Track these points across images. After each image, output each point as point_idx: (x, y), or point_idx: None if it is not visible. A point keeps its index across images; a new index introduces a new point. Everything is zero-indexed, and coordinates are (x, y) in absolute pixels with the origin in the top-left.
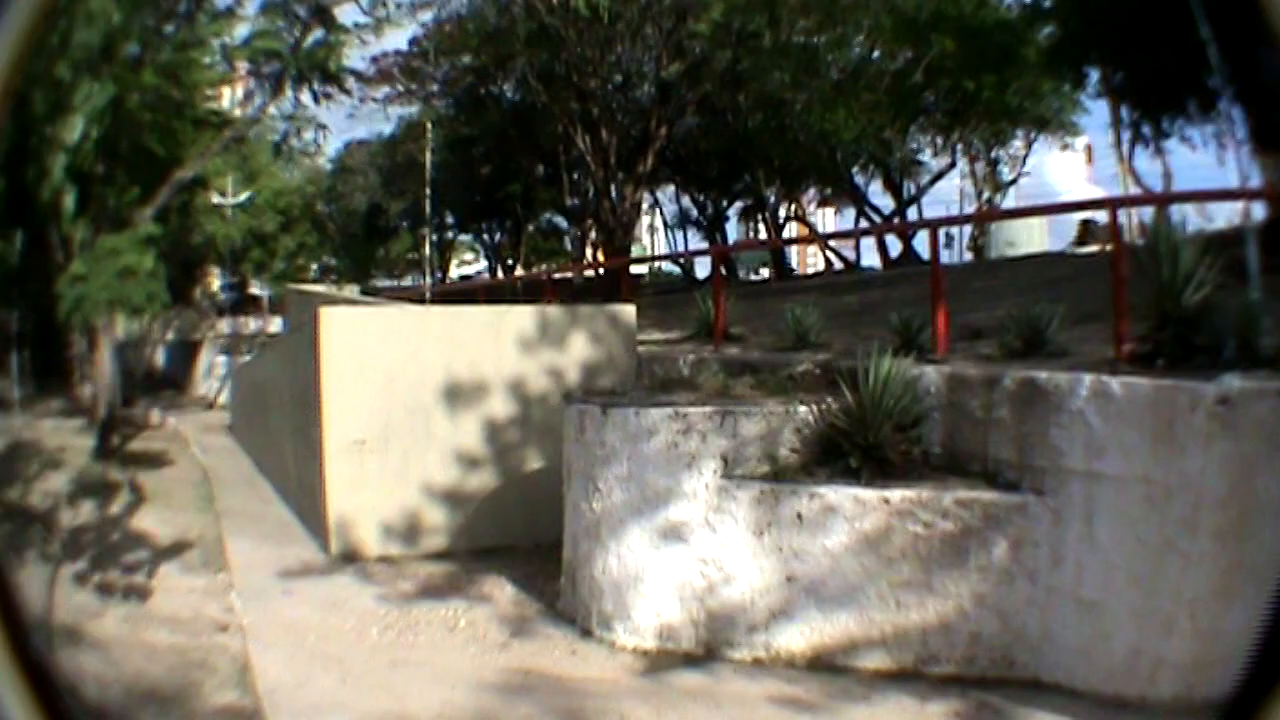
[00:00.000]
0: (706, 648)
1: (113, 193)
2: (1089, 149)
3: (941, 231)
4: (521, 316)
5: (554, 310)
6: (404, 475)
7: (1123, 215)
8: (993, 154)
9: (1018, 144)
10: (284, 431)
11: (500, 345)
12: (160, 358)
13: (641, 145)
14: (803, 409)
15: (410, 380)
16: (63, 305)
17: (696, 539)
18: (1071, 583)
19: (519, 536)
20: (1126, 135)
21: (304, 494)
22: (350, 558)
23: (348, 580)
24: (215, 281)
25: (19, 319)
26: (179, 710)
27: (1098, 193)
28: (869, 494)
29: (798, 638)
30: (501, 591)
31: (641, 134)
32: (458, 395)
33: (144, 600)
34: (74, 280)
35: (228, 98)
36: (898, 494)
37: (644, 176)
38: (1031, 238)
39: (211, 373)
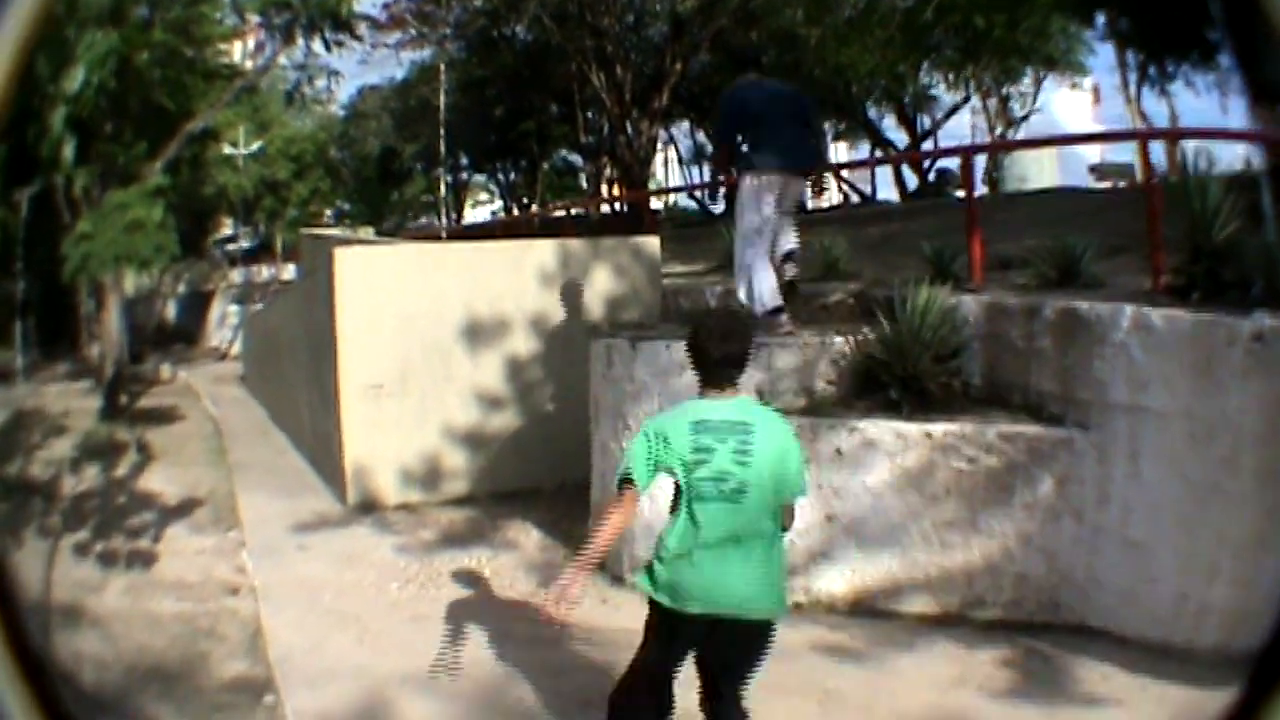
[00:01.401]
0: None
1: (120, 150)
2: (1095, 89)
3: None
4: (543, 251)
5: (576, 244)
6: (423, 418)
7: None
8: (1004, 91)
9: (1027, 82)
10: (298, 380)
11: (521, 281)
12: (172, 311)
13: (656, 82)
14: (838, 340)
15: (429, 320)
16: (69, 266)
17: None
18: (1118, 522)
19: (543, 478)
20: (1133, 77)
21: (319, 443)
22: (368, 507)
23: (365, 531)
24: (226, 230)
25: (25, 288)
26: (183, 687)
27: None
28: (910, 428)
29: (838, 580)
30: (527, 537)
31: (656, 71)
32: (478, 334)
33: (149, 566)
34: (80, 239)
35: (239, 50)
36: (940, 428)
37: (659, 112)
38: (1042, 173)
39: (224, 323)
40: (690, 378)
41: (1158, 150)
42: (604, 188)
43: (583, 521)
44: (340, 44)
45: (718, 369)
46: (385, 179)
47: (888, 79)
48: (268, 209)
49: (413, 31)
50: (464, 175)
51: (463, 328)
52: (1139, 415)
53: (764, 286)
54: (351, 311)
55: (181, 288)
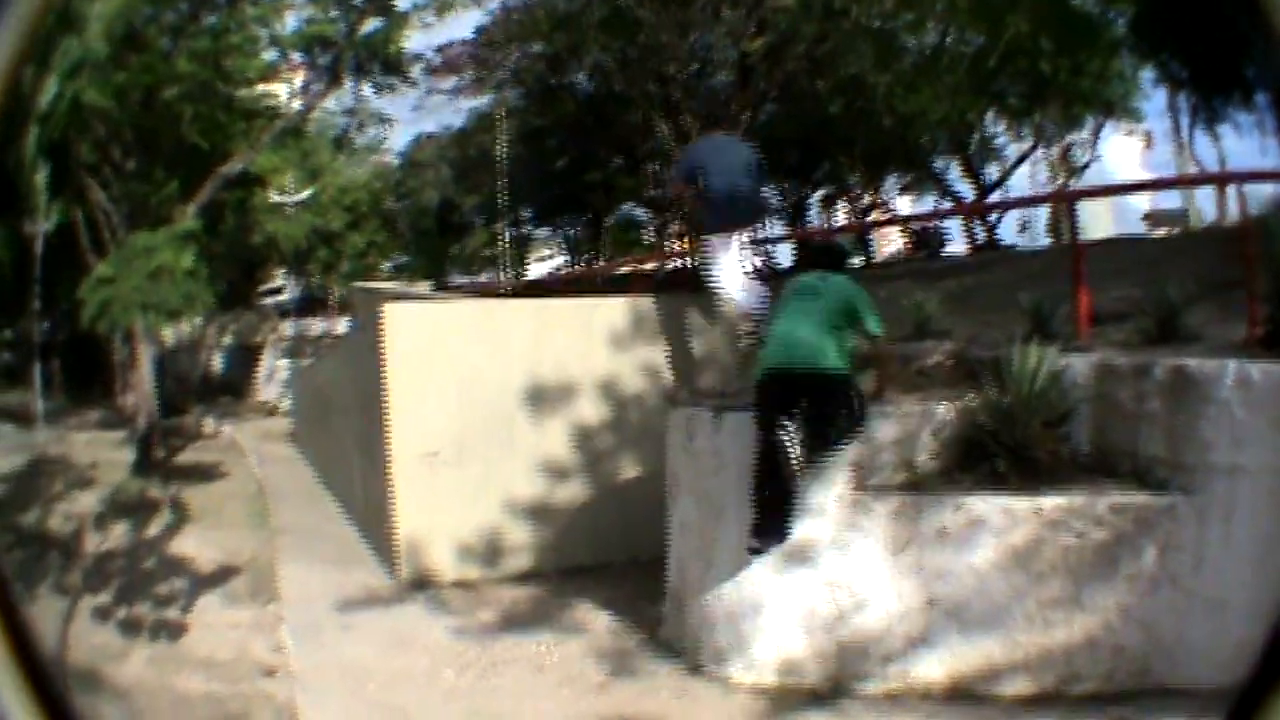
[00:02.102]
0: (834, 683)
1: (149, 189)
2: (1148, 135)
3: (1018, 215)
4: (613, 310)
5: (648, 302)
6: (483, 489)
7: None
8: (1066, 139)
9: (1085, 131)
10: (348, 441)
11: (589, 342)
12: (218, 363)
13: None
14: (941, 407)
15: (488, 383)
16: (86, 311)
17: (825, 560)
18: (1208, 584)
19: (613, 553)
20: (1186, 120)
21: (370, 511)
22: (422, 583)
23: (418, 610)
24: (278, 282)
25: (44, 329)
26: None
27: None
28: (1020, 503)
29: (936, 666)
30: (596, 619)
31: (723, 120)
32: (543, 399)
33: (176, 639)
34: (99, 283)
35: (284, 91)
36: (1050, 502)
37: None
38: (1097, 222)
39: (273, 377)
40: None
41: (1202, 196)
42: (671, 243)
43: (657, 601)
44: (391, 88)
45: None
46: (444, 231)
47: (957, 127)
48: (322, 260)
49: (469, 77)
50: (526, 229)
51: (526, 392)
52: (1236, 476)
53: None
54: (403, 373)
55: (228, 339)
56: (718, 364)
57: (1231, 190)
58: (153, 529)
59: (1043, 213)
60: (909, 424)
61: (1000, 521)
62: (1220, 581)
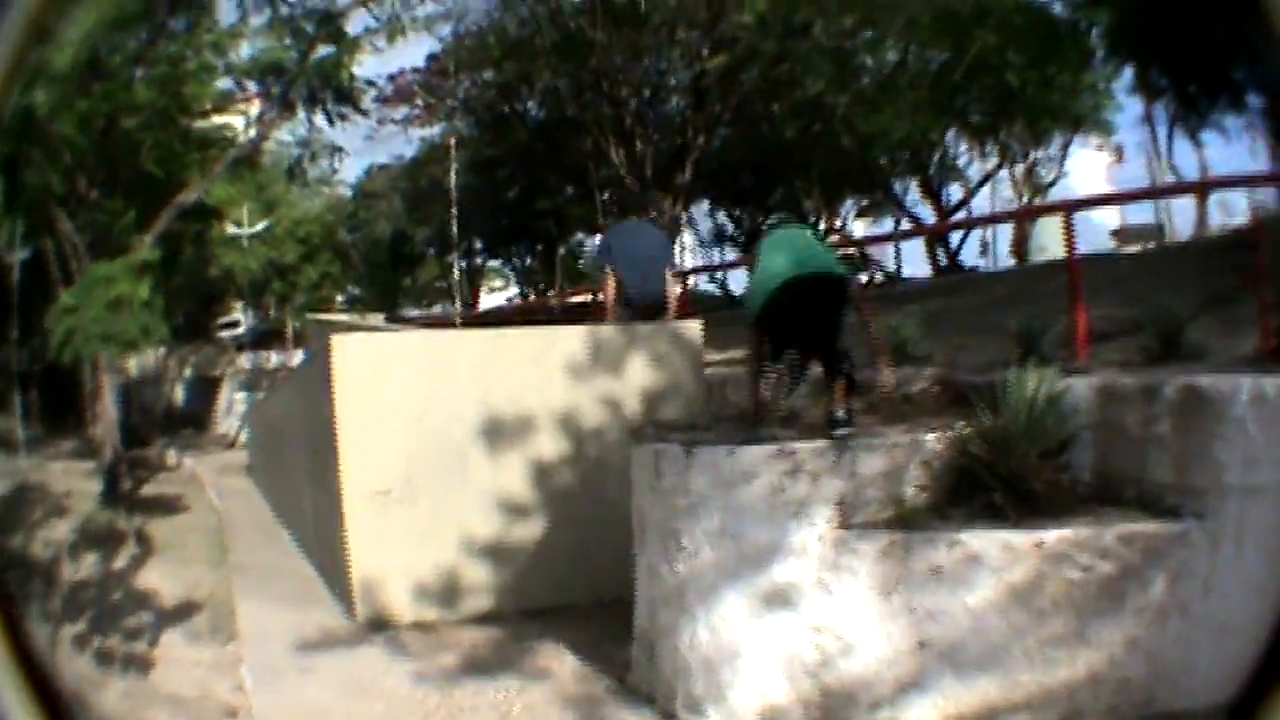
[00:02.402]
0: None
1: (107, 218)
2: (1120, 149)
3: (979, 236)
4: (570, 339)
5: (608, 331)
6: (437, 527)
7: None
8: (1031, 156)
9: (1053, 148)
10: (301, 476)
11: (546, 373)
12: (180, 395)
13: (678, 156)
14: (930, 437)
15: (441, 417)
16: (54, 340)
17: (808, 603)
18: (1217, 608)
19: (576, 593)
20: (1163, 130)
21: (324, 547)
22: (379, 624)
23: (377, 653)
24: (236, 314)
25: (27, 355)
26: None
27: None
28: (1019, 538)
29: (929, 711)
30: (561, 664)
31: (677, 145)
32: (498, 433)
33: (145, 673)
34: (64, 313)
35: (241, 122)
36: (1053, 535)
37: (682, 189)
38: (1059, 242)
39: (232, 410)
40: (758, 488)
41: (1179, 207)
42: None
43: (624, 644)
44: (343, 117)
45: None
46: (397, 263)
47: (919, 146)
48: (277, 292)
49: (420, 106)
50: (478, 260)
51: (480, 426)
52: (1250, 496)
53: None
54: (353, 407)
55: (187, 371)
56: (683, 394)
57: (1214, 201)
58: (120, 560)
59: (1004, 234)
60: (896, 456)
61: (999, 558)
62: (1228, 604)
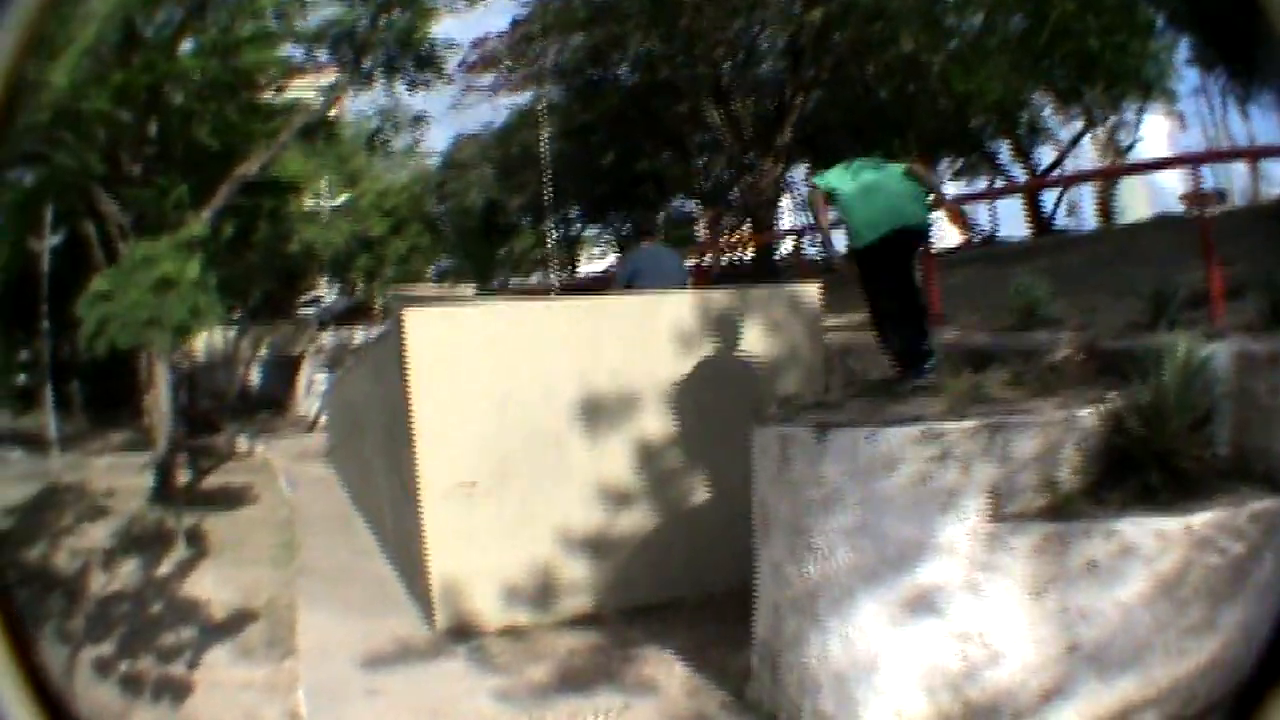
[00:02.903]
0: None
1: (155, 195)
2: (1181, 116)
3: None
4: (677, 305)
5: (719, 295)
6: (529, 520)
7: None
8: (1110, 119)
9: (1129, 112)
10: (378, 466)
11: (652, 344)
12: (255, 377)
13: (776, 116)
14: (1085, 413)
15: (531, 397)
16: (85, 330)
17: (955, 608)
18: None
19: (684, 587)
20: (1218, 100)
21: (402, 545)
22: (463, 633)
23: (457, 667)
24: (320, 291)
25: (67, 346)
26: None
27: None
28: (1172, 523)
29: (1072, 718)
30: (669, 674)
31: (776, 104)
32: (598, 413)
33: (181, 700)
34: (96, 299)
35: (317, 93)
36: (1199, 519)
37: (782, 150)
38: (1137, 204)
39: (312, 391)
40: (902, 477)
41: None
42: (724, 237)
43: (739, 648)
44: (425, 84)
45: None
46: (490, 233)
47: (1012, 107)
48: (363, 267)
49: (507, 72)
50: (575, 228)
51: (577, 405)
52: None
53: None
54: (429, 389)
55: (263, 351)
56: (801, 364)
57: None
58: (165, 566)
59: (1086, 196)
60: (1051, 435)
61: (1152, 547)
62: None
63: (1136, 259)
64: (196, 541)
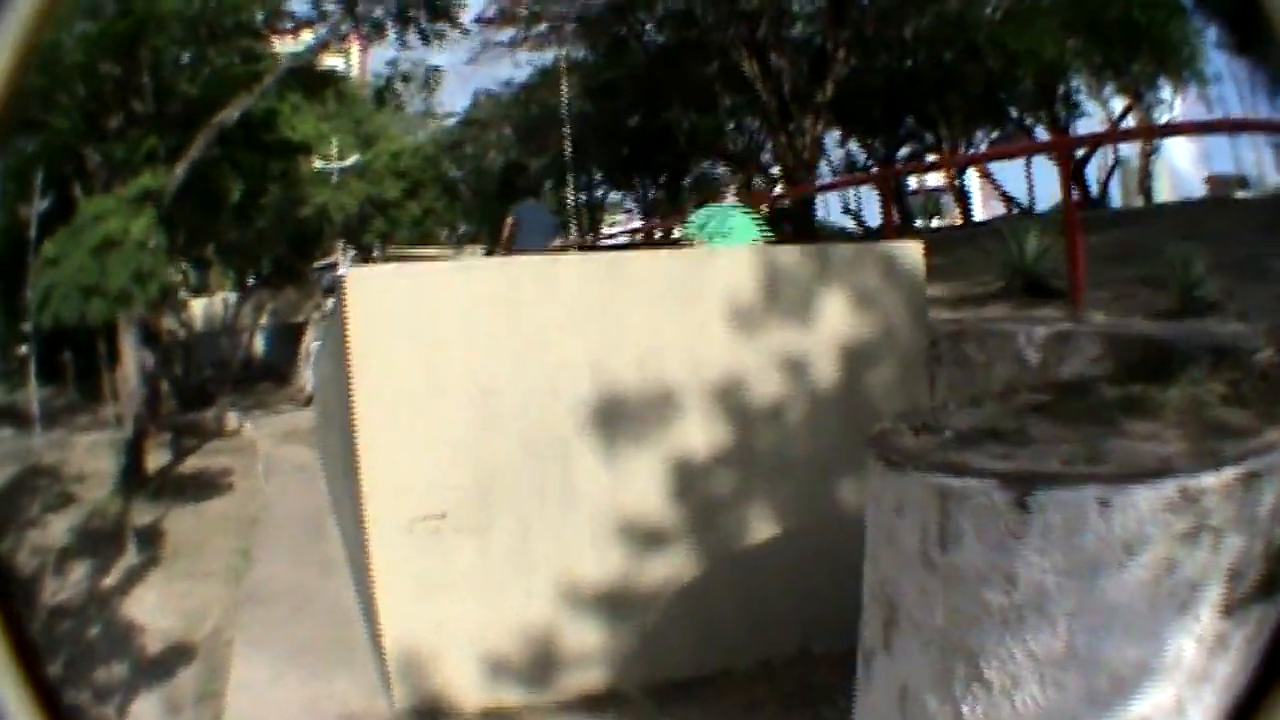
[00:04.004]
0: None
1: (125, 150)
2: (1209, 100)
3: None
4: (734, 266)
5: (790, 253)
6: (523, 565)
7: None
8: (1146, 98)
9: (1165, 90)
10: (340, 467)
11: (697, 319)
12: (261, 345)
13: (817, 71)
14: None
15: (526, 394)
16: (33, 302)
17: None
18: None
19: (736, 653)
20: (1246, 87)
21: (360, 580)
22: (430, 714)
23: None
24: (336, 256)
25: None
26: None
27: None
28: None
29: None
30: None
31: (817, 57)
32: (619, 415)
33: None
34: (46, 265)
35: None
36: None
37: (823, 107)
38: (1158, 185)
39: (311, 360)
40: (1142, 567)
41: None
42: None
43: None
44: (440, 35)
45: None
46: (509, 196)
47: (1065, 68)
48: (378, 231)
49: (526, 27)
50: (599, 192)
51: (591, 405)
52: None
53: None
54: (377, 382)
55: (264, 319)
56: (899, 352)
57: None
58: (113, 576)
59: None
60: None
61: None
62: None
63: (1211, 233)
64: (151, 544)
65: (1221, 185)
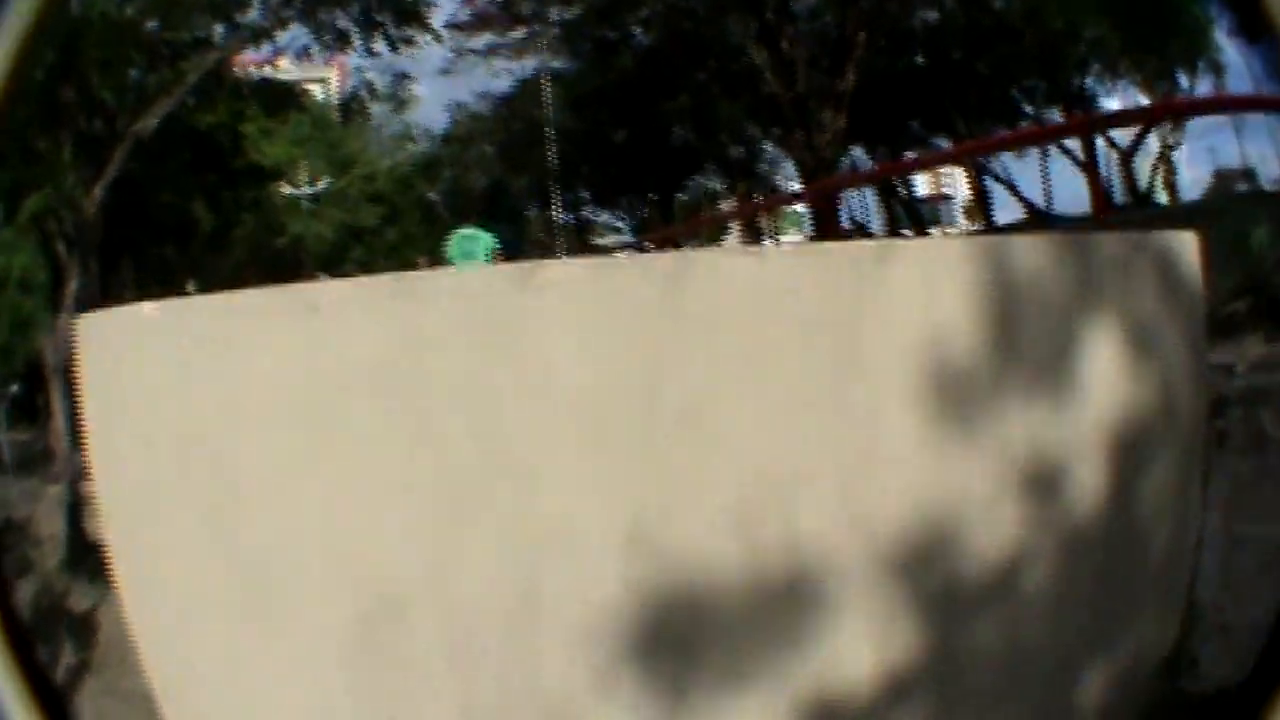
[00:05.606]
0: None
1: (39, 171)
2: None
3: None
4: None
5: (1031, 244)
6: None
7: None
8: (1159, 89)
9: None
10: None
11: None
12: None
13: (835, 58)
14: None
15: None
16: None
17: None
18: None
19: None
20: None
21: None
22: None
23: None
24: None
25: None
26: None
27: None
28: None
29: None
30: None
31: (835, 41)
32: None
33: None
34: None
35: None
36: None
37: (844, 97)
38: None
39: None
40: None
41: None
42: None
43: None
44: (409, 41)
45: None
46: (494, 218)
47: (1110, 45)
48: (357, 260)
49: (504, 33)
50: (585, 211)
51: None
52: None
53: None
54: (102, 434)
55: None
56: (1169, 382)
57: None
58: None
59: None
60: None
61: None
62: None
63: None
64: (82, 645)
65: (1228, 179)
